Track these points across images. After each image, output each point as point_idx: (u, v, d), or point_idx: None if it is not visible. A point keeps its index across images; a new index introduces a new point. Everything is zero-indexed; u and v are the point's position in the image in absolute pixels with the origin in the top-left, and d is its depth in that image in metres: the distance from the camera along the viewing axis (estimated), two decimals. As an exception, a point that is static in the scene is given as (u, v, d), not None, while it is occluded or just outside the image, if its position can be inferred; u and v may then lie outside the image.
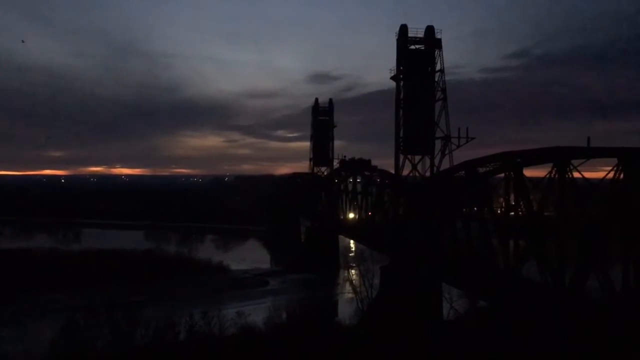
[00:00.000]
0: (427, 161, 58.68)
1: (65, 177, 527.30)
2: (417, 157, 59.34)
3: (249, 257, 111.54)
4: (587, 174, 36.80)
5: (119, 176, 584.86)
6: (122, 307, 42.34)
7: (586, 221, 36.85)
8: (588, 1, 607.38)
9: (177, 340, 40.05)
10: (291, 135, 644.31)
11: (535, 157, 40.76)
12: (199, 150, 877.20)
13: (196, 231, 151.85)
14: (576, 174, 36.17)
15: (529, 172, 41.73)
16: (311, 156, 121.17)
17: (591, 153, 35.99)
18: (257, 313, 52.60)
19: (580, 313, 33.50)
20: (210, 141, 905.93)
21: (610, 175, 33.05)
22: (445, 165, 56.59)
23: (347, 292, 74.13)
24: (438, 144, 57.72)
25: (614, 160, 33.07)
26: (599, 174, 36.46)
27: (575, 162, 36.19)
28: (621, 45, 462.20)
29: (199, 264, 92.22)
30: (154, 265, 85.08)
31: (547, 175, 37.63)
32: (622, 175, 32.36)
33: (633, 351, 28.94)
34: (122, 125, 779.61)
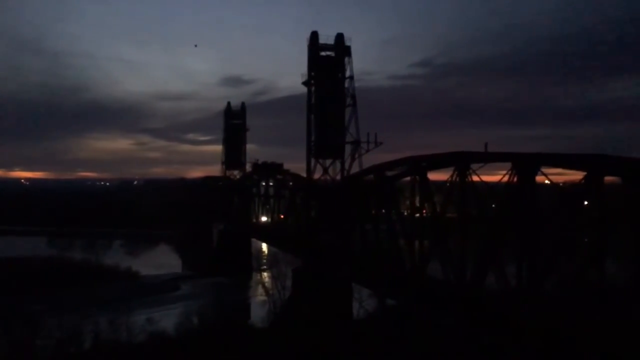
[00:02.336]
0: (338, 165, 60.01)
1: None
2: (328, 161, 60.53)
3: (160, 262, 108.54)
4: (485, 178, 39.09)
5: (18, 180, 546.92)
6: (19, 317, 40.03)
7: (484, 221, 39.17)
8: (488, 15, 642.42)
9: (81, 350, 38.44)
10: (203, 138, 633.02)
11: (438, 162, 42.77)
12: (107, 153, 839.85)
13: (103, 237, 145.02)
14: (475, 178, 38.36)
15: (433, 176, 43.87)
16: (223, 160, 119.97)
17: (488, 158, 38.01)
18: (167, 319, 51.47)
19: (479, 308, 35.56)
20: (118, 144, 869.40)
21: (506, 178, 35.22)
22: (355, 169, 58.22)
23: (259, 295, 74.01)
24: (348, 149, 59.26)
25: (509, 165, 35.33)
26: (496, 177, 38.74)
27: (474, 166, 38.26)
28: (519, 57, 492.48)
29: (106, 271, 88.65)
30: (56, 273, 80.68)
31: (450, 179, 39.69)
32: (515, 179, 34.65)
33: (525, 342, 31.12)
34: (22, 127, 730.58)
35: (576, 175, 32.12)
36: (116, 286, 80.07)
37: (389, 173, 48.30)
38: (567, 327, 29.88)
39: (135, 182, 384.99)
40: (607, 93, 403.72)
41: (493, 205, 40.69)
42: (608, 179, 31.01)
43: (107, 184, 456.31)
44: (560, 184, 41.76)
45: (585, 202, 33.28)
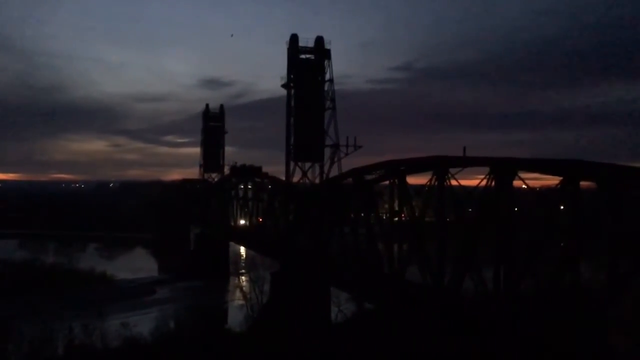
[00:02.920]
0: (317, 168, 60.00)
1: None
2: (307, 164, 60.45)
3: (136, 265, 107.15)
4: (463, 182, 39.35)
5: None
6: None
7: (462, 225, 39.40)
8: (468, 20, 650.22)
9: (54, 356, 37.67)
10: (181, 140, 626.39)
11: (417, 165, 42.95)
12: (82, 155, 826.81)
13: (78, 240, 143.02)
14: (454, 182, 38.60)
15: (412, 180, 44.03)
16: (202, 162, 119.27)
17: (466, 162, 38.32)
18: (143, 323, 50.75)
19: (456, 311, 35.74)
20: (94, 145, 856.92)
21: (483, 182, 35.48)
22: (335, 172, 58.27)
23: (237, 299, 73.56)
24: (327, 152, 59.32)
25: (487, 169, 35.61)
26: (474, 182, 39.00)
27: (453, 170, 38.51)
28: (498, 62, 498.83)
29: (80, 275, 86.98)
30: (29, 277, 79.02)
31: (428, 183, 39.87)
32: (493, 183, 34.93)
33: (503, 345, 31.34)
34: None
35: (553, 180, 32.46)
36: (91, 290, 78.73)
37: (368, 177, 48.37)
38: (543, 330, 30.16)
39: (111, 185, 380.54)
40: (584, 99, 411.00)
41: (470, 210, 40.97)
42: (583, 184, 31.46)
43: (82, 186, 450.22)
44: (537, 189, 42.20)
45: (561, 207, 33.65)
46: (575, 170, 31.03)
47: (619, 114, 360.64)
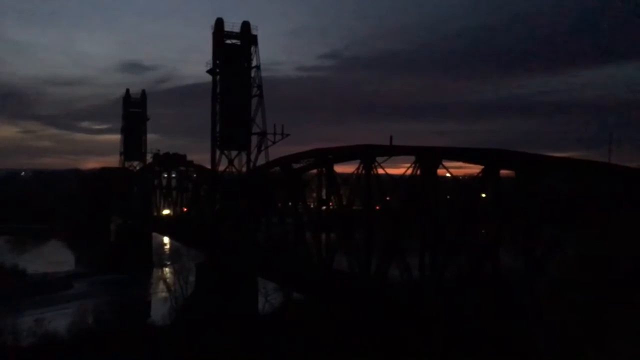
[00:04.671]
0: (244, 157, 59.02)
1: None
2: (234, 153, 59.38)
3: (51, 259, 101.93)
4: (390, 170, 39.88)
5: None
6: None
7: (389, 213, 39.94)
8: (396, 10, 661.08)
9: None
10: (99, 127, 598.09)
11: (344, 154, 43.12)
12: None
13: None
14: (381, 171, 39.00)
15: (339, 168, 44.15)
16: (122, 150, 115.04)
17: (393, 151, 38.86)
18: (59, 319, 48.43)
19: (383, 299, 36.22)
20: (3, 132, 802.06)
21: (409, 171, 36.04)
22: (262, 161, 57.52)
23: (161, 292, 71.44)
24: (254, 140, 58.46)
25: (412, 158, 36.18)
26: (400, 170, 39.58)
27: (379, 159, 38.90)
28: (423, 53, 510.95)
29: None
30: None
31: (356, 172, 40.08)
32: (419, 172, 35.55)
33: (428, 331, 32.02)
34: None
35: (475, 169, 33.42)
36: (0, 285, 74.11)
37: (296, 165, 48.12)
38: (466, 315, 31.07)
39: (23, 173, 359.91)
40: (506, 90, 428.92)
41: (397, 198, 41.56)
42: (504, 172, 32.57)
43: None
44: (460, 177, 43.39)
45: (483, 195, 34.72)
46: (495, 159, 32.05)
47: (540, 104, 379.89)
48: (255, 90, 58.26)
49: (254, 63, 58.21)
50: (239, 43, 58.26)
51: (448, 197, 41.97)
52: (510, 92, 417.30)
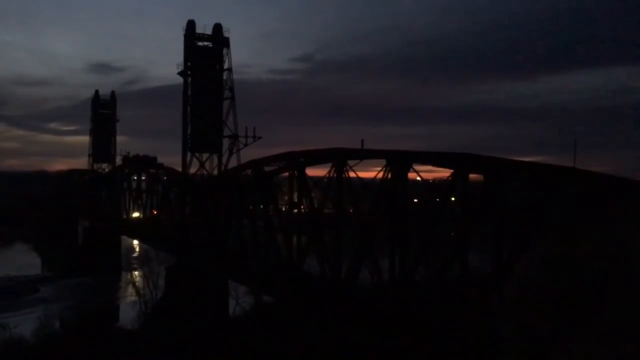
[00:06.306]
0: (215, 159, 58.66)
1: None
2: (205, 155, 59.01)
3: (16, 262, 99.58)
4: (361, 174, 40.07)
5: None
6: None
7: (360, 217, 40.18)
8: (368, 14, 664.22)
9: None
10: (67, 128, 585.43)
11: (316, 157, 43.21)
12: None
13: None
14: (352, 174, 39.22)
15: (311, 171, 44.22)
16: (91, 152, 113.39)
17: (364, 154, 39.11)
18: (25, 324, 47.52)
19: (353, 301, 36.40)
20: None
21: (380, 175, 36.33)
22: (233, 163, 57.28)
23: (129, 296, 70.42)
24: (226, 143, 58.18)
25: (383, 161, 36.48)
26: (371, 174, 39.87)
27: (351, 162, 39.13)
28: (394, 57, 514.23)
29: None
30: None
31: (327, 175, 40.22)
32: (390, 175, 35.86)
33: (397, 333, 32.29)
34: None
35: (445, 173, 33.83)
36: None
37: (267, 168, 48.06)
38: (435, 317, 31.43)
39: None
40: (475, 95, 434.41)
41: (368, 201, 41.81)
42: (472, 176, 33.07)
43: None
44: (430, 181, 43.93)
45: (452, 198, 35.19)
46: (464, 163, 32.53)
47: (508, 110, 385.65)
48: (226, 93, 58.03)
49: (225, 65, 58.02)
50: (210, 45, 58.02)
51: (415, 200, 42.44)
52: (479, 97, 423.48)
